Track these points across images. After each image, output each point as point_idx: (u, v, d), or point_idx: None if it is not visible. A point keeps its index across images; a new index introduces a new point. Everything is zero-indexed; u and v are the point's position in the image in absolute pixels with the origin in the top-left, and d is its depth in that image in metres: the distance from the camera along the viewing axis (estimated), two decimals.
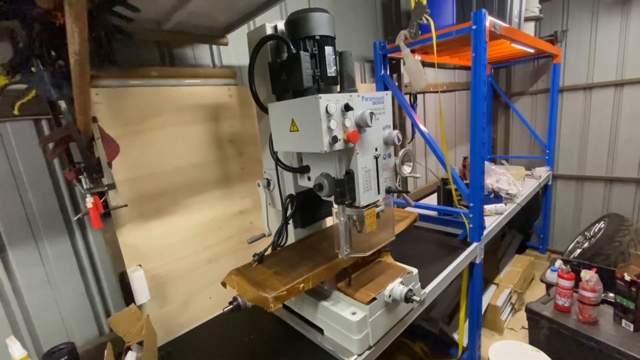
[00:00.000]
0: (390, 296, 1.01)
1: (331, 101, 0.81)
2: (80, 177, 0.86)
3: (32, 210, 0.97)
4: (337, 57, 0.98)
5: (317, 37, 0.96)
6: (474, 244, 1.61)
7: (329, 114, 0.80)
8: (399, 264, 1.19)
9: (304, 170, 1.03)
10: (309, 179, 1.03)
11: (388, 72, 1.88)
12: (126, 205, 1.04)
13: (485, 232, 1.70)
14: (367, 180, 0.93)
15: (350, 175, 0.91)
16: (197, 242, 1.29)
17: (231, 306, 0.91)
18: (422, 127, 1.74)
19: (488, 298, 2.23)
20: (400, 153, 1.00)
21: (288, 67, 0.97)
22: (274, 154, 1.05)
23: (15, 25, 0.78)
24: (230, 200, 1.38)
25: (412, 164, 1.04)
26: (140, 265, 1.14)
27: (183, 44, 1.22)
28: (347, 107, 0.83)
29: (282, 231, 1.10)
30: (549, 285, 2.11)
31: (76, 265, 1.06)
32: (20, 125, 0.92)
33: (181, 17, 1.01)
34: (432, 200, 2.24)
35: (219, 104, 1.30)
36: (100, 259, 1.10)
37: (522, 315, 2.14)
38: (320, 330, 1.07)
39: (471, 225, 1.62)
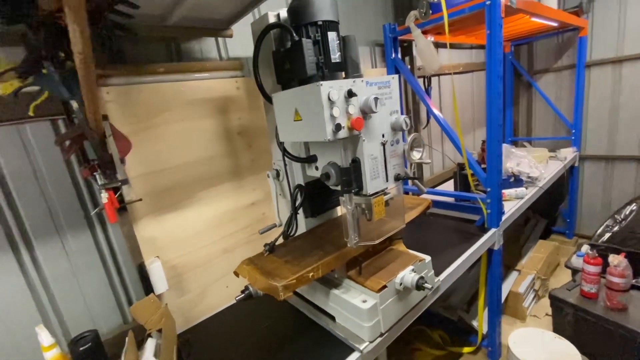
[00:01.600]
0: (401, 284, 1.00)
1: (333, 88, 0.79)
2: (94, 173, 0.89)
3: (55, 207, 1.02)
4: (341, 42, 0.95)
5: (320, 23, 0.94)
6: (492, 230, 1.56)
7: (331, 102, 0.79)
8: (411, 251, 1.17)
9: (311, 159, 1.02)
10: (316, 168, 1.03)
11: (399, 56, 1.82)
12: (141, 200, 1.08)
13: (504, 218, 1.64)
14: (374, 167, 0.92)
15: (356, 163, 0.90)
16: (212, 234, 1.32)
17: (243, 295, 0.94)
18: (435, 111, 1.69)
19: (509, 285, 2.17)
20: (409, 138, 0.98)
21: (291, 56, 0.96)
22: (280, 145, 1.05)
23: (25, 30, 0.81)
24: (242, 193, 1.40)
25: (421, 149, 1.01)
26: (158, 256, 1.19)
27: (189, 38, 1.23)
28: (350, 94, 0.81)
29: (291, 221, 1.10)
30: (575, 271, 2.02)
31: (98, 258, 1.11)
32: (38, 125, 0.96)
33: (184, 11, 1.01)
34: (449, 186, 2.18)
35: (227, 97, 1.31)
36: (121, 251, 1.15)
37: (545, 302, 2.07)
38: (332, 318, 1.07)
39: (489, 211, 1.57)
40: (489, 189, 1.55)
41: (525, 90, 3.17)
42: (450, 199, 1.83)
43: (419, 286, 0.99)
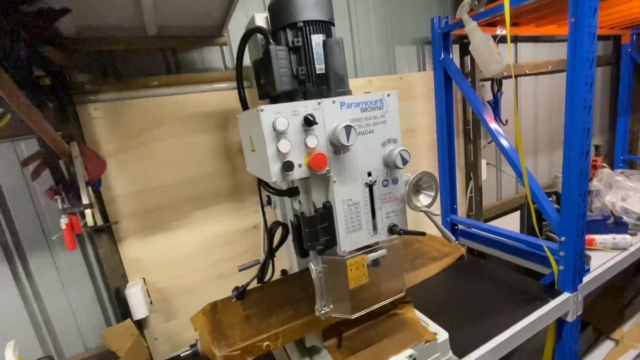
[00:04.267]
0: None
1: (281, 114, 0.58)
2: (56, 197, 0.85)
3: (46, 222, 1.03)
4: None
5: (300, 24, 0.73)
6: (565, 295, 1.13)
7: (277, 132, 0.58)
8: (423, 319, 0.88)
9: (292, 193, 0.82)
10: (300, 202, 0.83)
11: (451, 55, 1.47)
12: (117, 222, 1.03)
13: (588, 278, 1.18)
14: (354, 216, 0.68)
15: (327, 209, 0.67)
16: (205, 257, 1.22)
17: (190, 351, 0.79)
18: (493, 125, 1.30)
19: None
20: (412, 177, 0.70)
21: (264, 67, 0.77)
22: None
23: None
24: (242, 215, 1.26)
25: (433, 193, 0.72)
26: (144, 278, 1.13)
27: (187, 48, 1.13)
28: (308, 121, 0.59)
29: (265, 265, 0.92)
30: None
31: (87, 273, 1.10)
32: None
33: (159, 20, 0.91)
34: (515, 219, 1.72)
35: (227, 110, 1.18)
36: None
37: None
38: None
39: (561, 267, 1.14)
40: (562, 238, 1.12)
41: None
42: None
43: None
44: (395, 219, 0.73)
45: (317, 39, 0.74)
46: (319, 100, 0.61)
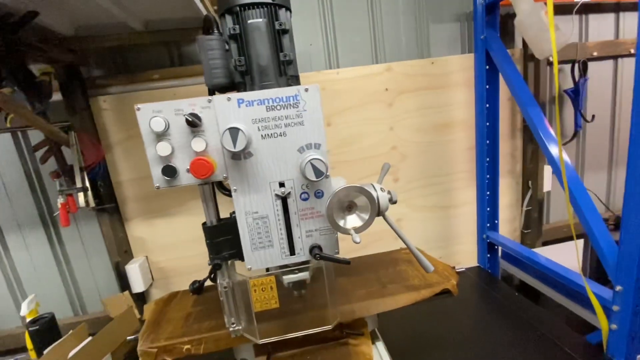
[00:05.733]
0: None
1: (161, 113, 0.53)
2: (55, 179, 0.97)
3: None
4: (242, 36, 0.64)
5: (236, 9, 0.65)
6: None
7: (156, 134, 0.53)
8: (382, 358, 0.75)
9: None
10: None
11: (498, 33, 1.16)
12: (112, 205, 1.13)
13: None
14: (261, 232, 0.59)
15: (233, 220, 0.60)
16: (201, 245, 1.25)
17: (133, 337, 0.83)
18: (548, 128, 0.99)
19: None
20: (334, 193, 0.56)
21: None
22: None
23: None
24: None
25: (367, 214, 0.57)
26: (146, 256, 1.24)
27: (189, 41, 1.15)
28: (190, 122, 0.52)
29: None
30: None
31: (103, 244, 1.26)
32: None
33: (146, 15, 0.94)
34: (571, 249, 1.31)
35: None
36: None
37: None
38: None
39: (614, 326, 0.82)
40: (618, 288, 0.80)
41: None
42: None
43: None
44: (320, 239, 0.61)
45: (254, 25, 0.65)
46: (209, 98, 0.54)
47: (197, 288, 0.88)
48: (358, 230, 0.57)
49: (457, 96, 1.32)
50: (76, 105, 1.06)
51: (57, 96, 1.03)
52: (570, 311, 1.07)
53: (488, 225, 1.34)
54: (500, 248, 1.35)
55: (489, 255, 1.37)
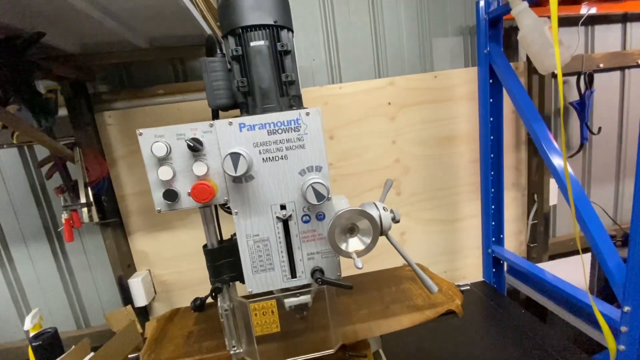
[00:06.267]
0: None
1: (164, 137, 0.53)
2: (59, 195, 0.98)
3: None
4: (245, 59, 0.64)
5: (238, 31, 0.66)
6: None
7: (158, 158, 0.53)
8: None
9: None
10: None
11: (502, 47, 1.16)
12: (115, 221, 1.14)
13: None
14: (262, 254, 0.59)
15: (234, 243, 0.60)
16: (204, 259, 1.27)
17: (134, 355, 0.83)
18: (552, 141, 0.98)
19: None
20: (336, 215, 0.56)
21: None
22: None
23: None
24: None
25: (369, 237, 0.57)
26: (149, 270, 1.24)
27: (194, 57, 1.17)
28: (191, 147, 0.52)
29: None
30: None
31: (107, 258, 1.27)
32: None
33: (152, 32, 0.95)
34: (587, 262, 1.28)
35: (225, 116, 1.18)
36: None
37: None
38: None
39: (622, 347, 0.80)
40: (626, 308, 0.78)
41: None
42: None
43: None
44: (322, 262, 0.61)
45: (257, 47, 0.66)
46: (211, 122, 0.54)
47: (199, 305, 0.88)
48: (360, 254, 0.57)
49: (461, 109, 1.32)
50: (81, 120, 1.08)
51: (62, 111, 1.05)
52: (577, 329, 1.05)
53: (493, 239, 1.32)
54: (505, 263, 1.33)
55: (494, 270, 1.35)
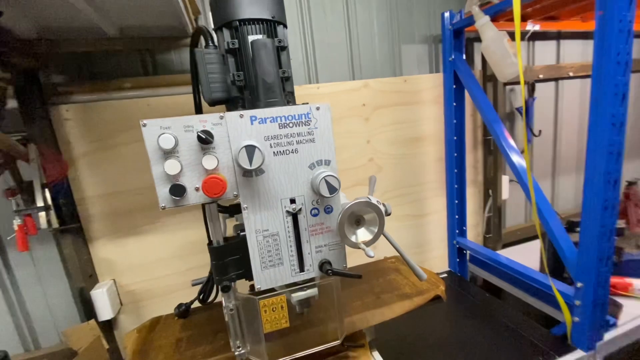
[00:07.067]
0: None
1: (170, 129, 0.50)
2: (10, 198, 0.86)
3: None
4: (240, 51, 0.63)
5: (235, 24, 0.65)
6: (579, 353, 0.92)
7: (164, 151, 0.50)
8: None
9: (233, 211, 0.75)
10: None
11: (464, 56, 1.27)
12: (78, 225, 1.03)
13: (612, 334, 0.96)
14: (271, 250, 0.58)
15: (241, 238, 0.58)
16: (178, 264, 1.19)
17: None
18: (509, 140, 1.10)
19: None
20: (346, 207, 0.57)
21: (196, 72, 0.70)
22: None
23: None
24: None
25: (376, 227, 0.59)
26: (114, 280, 1.14)
27: (165, 49, 1.10)
28: (202, 139, 0.50)
29: (207, 285, 0.85)
30: None
31: (62, 270, 1.13)
32: None
33: (120, 21, 0.88)
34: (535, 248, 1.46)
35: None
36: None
37: None
38: None
39: (576, 319, 0.93)
40: (579, 284, 0.90)
41: None
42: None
43: None
44: (329, 255, 0.61)
45: (262, 42, 0.65)
46: (221, 114, 0.52)
47: (183, 311, 0.84)
48: (368, 243, 0.59)
49: (427, 112, 1.42)
50: (34, 114, 0.95)
51: (12, 103, 0.92)
52: (531, 306, 1.18)
53: (457, 231, 1.43)
54: (468, 252, 1.45)
55: (458, 260, 1.46)
